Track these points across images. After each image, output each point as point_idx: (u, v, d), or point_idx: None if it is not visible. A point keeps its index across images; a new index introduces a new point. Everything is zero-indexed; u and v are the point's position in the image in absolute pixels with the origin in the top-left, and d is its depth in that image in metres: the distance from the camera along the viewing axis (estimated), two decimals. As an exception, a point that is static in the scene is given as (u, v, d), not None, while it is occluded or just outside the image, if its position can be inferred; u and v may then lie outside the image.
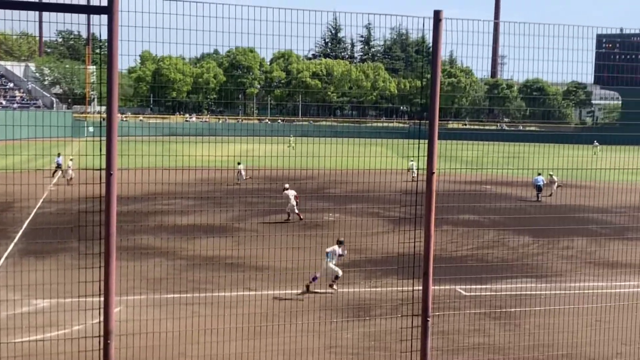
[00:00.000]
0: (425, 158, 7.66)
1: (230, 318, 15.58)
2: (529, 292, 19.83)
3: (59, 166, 43.31)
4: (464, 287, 19.97)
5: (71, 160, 42.63)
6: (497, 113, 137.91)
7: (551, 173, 40.95)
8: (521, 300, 18.94)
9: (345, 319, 16.77)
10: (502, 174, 42.88)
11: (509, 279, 21.33)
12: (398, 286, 19.00)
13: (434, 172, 7.59)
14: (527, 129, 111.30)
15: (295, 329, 15.37)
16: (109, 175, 6.71)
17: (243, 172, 43.98)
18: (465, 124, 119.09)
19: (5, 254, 23.00)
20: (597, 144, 78.17)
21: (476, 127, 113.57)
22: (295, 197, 30.94)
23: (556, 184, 41.31)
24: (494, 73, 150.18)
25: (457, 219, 31.34)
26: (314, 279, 19.30)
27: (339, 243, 20.01)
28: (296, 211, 30.97)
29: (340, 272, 19.58)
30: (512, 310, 17.93)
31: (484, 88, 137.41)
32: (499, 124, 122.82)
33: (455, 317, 17.11)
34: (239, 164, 43.49)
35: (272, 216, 31.49)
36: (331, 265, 19.49)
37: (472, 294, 19.64)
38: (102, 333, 7.09)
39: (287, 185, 31.71)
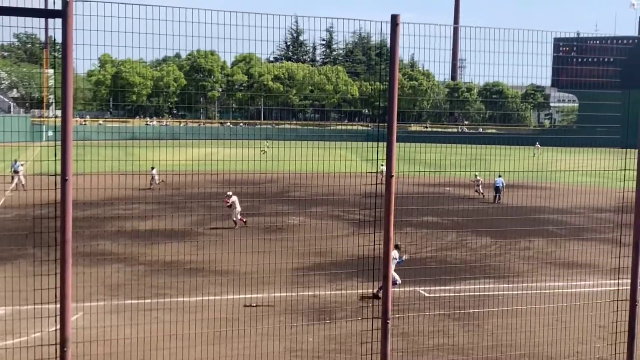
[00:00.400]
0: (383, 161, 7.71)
1: (192, 323, 15.47)
2: (489, 293, 20.08)
3: (16, 172, 42.28)
4: (426, 288, 20.13)
5: (22, 165, 41.52)
6: (457, 116, 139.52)
7: (477, 173, 41.37)
8: (482, 301, 19.16)
9: (307, 323, 16.76)
10: (463, 176, 43.33)
11: (469, 279, 21.57)
12: (360, 289, 19.08)
13: (392, 175, 7.63)
14: (487, 131, 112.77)
15: (257, 333, 15.32)
16: (64, 180, 6.60)
17: (156, 177, 42.56)
18: (427, 127, 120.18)
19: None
20: (538, 145, 79.55)
21: (437, 129, 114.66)
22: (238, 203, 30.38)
23: (480, 185, 41.77)
24: (454, 76, 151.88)
25: (419, 221, 31.59)
26: (395, 283, 18.14)
27: (396, 247, 18.88)
28: (239, 217, 30.39)
29: (397, 279, 18.68)
30: (473, 311, 18.12)
31: (445, 91, 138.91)
32: (459, 127, 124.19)
33: (417, 319, 17.23)
34: (152, 168, 41.45)
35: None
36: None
37: (433, 295, 19.80)
38: (58, 341, 6.98)
39: (230, 193, 30.59)
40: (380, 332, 8.20)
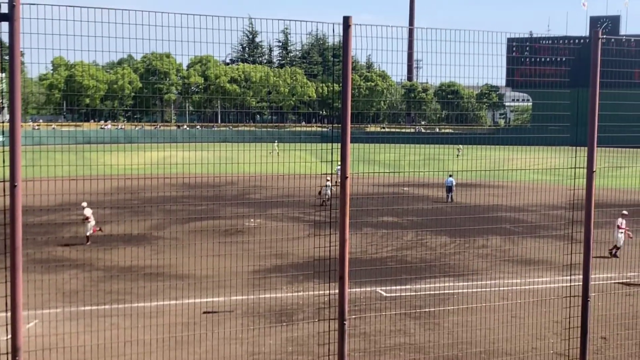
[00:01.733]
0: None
1: (151, 329, 15.31)
2: (447, 291, 20.30)
3: None
4: (385, 288, 20.25)
5: None
6: (413, 116, 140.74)
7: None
8: (440, 300, 19.36)
9: (267, 325, 16.72)
10: (419, 176, 43.72)
11: (428, 278, 21.77)
12: (319, 290, 19.11)
13: (347, 177, 7.65)
14: (443, 131, 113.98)
15: (217, 337, 15.23)
16: (12, 187, 6.47)
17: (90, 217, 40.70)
18: (384, 128, 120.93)
19: None
20: (460, 147, 78.45)
21: (394, 130, 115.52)
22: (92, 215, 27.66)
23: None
24: (410, 77, 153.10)
25: (378, 221, 31.78)
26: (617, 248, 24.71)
27: (623, 215, 25.33)
28: (91, 231, 27.53)
29: (619, 243, 24.98)
30: (432, 309, 18.30)
31: (401, 92, 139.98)
32: (416, 127, 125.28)
33: (376, 319, 17.32)
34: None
35: (192, 224, 31.08)
36: (619, 235, 25.06)
37: (392, 294, 19.93)
38: (10, 350, 6.84)
39: (85, 204, 27.59)
40: (338, 333, 8.22)
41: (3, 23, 6.17)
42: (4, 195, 6.63)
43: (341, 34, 7.50)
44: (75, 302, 18.11)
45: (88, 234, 27.32)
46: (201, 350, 14.32)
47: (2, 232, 7.02)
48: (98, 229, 27.86)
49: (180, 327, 15.90)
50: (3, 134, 6.66)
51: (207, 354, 14.04)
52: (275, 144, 72.16)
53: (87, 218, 27.36)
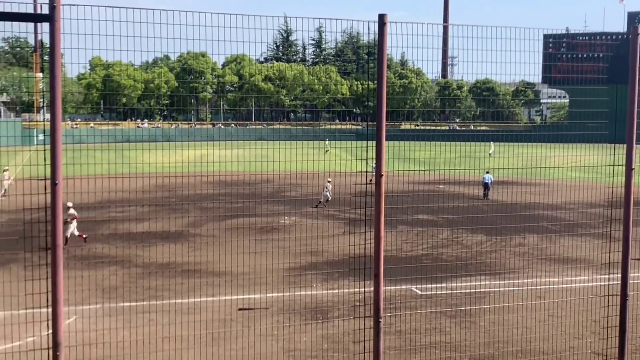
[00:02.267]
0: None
1: (188, 325, 15.48)
2: (483, 290, 20.14)
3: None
4: (419, 286, 20.17)
5: (6, 170, 40.44)
6: (448, 114, 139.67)
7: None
8: (476, 298, 19.22)
9: (303, 322, 16.78)
10: (454, 173, 43.45)
11: (464, 277, 21.62)
12: (354, 288, 19.10)
13: (382, 174, 7.65)
14: (478, 128, 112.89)
15: (252, 334, 15.34)
16: (54, 184, 6.61)
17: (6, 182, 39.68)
18: (418, 125, 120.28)
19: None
20: (492, 147, 76.61)
21: (428, 127, 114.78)
22: (75, 218, 26.65)
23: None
24: (444, 74, 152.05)
25: (412, 219, 31.65)
26: None
27: None
28: (77, 233, 26.56)
29: None
30: (468, 308, 18.18)
31: (435, 89, 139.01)
32: (450, 125, 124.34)
33: (411, 317, 17.27)
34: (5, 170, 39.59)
35: (228, 221, 31.29)
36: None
37: (427, 293, 19.85)
38: (51, 345, 6.98)
39: (70, 204, 26.41)
40: (373, 331, 8.23)
41: (43, 24, 6.30)
42: (45, 193, 6.77)
43: (376, 32, 7.50)
44: (114, 298, 18.40)
45: (68, 235, 25.82)
46: (237, 346, 14.44)
47: (39, 230, 7.18)
48: (84, 237, 26.46)
49: (217, 323, 16.06)
50: (44, 133, 6.78)
51: (243, 351, 14.15)
52: (327, 141, 72.30)
53: (71, 218, 26.14)
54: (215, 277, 20.24)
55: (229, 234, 28.18)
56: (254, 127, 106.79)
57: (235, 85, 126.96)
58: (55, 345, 6.92)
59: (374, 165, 7.88)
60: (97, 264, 22.11)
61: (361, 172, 9.76)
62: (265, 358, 13.90)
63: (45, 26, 6.48)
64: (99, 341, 12.38)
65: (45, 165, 6.70)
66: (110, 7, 7.24)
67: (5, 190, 38.28)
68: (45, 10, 6.36)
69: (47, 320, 6.99)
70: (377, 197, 7.68)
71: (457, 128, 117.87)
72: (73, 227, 26.35)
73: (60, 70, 6.40)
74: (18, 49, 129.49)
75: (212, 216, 32.18)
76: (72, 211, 26.38)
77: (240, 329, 15.71)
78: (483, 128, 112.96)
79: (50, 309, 6.93)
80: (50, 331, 6.97)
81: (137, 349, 13.15)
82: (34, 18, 6.34)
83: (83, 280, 18.03)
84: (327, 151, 61.40)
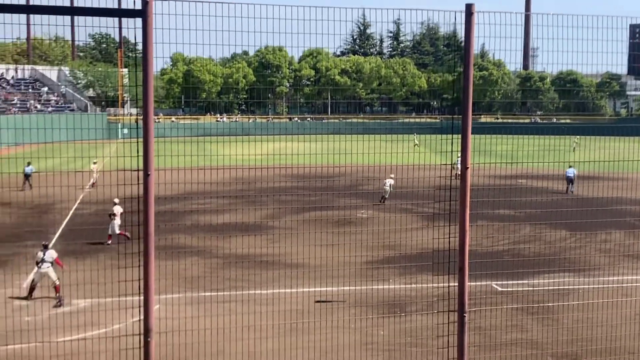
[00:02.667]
0: (459, 153, 7.62)
1: (267, 315, 15.72)
2: (566, 287, 19.60)
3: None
4: (500, 282, 19.81)
5: (95, 163, 41.58)
6: (529, 106, 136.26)
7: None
8: (559, 295, 18.75)
9: (380, 316, 16.77)
10: (536, 167, 42.37)
11: (545, 273, 21.11)
12: (433, 282, 18.94)
13: (468, 167, 7.54)
14: (561, 121, 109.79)
15: (329, 325, 15.42)
16: (146, 175, 6.82)
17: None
18: (498, 118, 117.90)
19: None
20: (577, 141, 73.28)
21: (509, 120, 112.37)
22: (121, 214, 25.44)
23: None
24: (526, 65, 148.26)
25: (493, 213, 31.09)
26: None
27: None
28: (117, 231, 25.08)
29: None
30: (550, 305, 17.76)
31: (517, 81, 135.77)
32: (531, 117, 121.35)
33: (492, 313, 17.00)
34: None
35: (305, 214, 31.52)
36: None
37: (508, 289, 19.48)
38: (142, 331, 7.21)
39: (116, 200, 25.70)
40: (457, 326, 8.13)
41: (132, 19, 6.48)
42: (138, 184, 7.00)
43: (462, 22, 7.38)
44: (195, 288, 18.83)
45: (110, 232, 25.28)
46: (315, 338, 14.55)
47: (125, 220, 7.41)
48: (128, 236, 24.18)
49: (295, 314, 16.23)
50: (130, 126, 7.00)
51: (321, 342, 14.25)
52: (415, 135, 72.12)
53: (114, 214, 25.44)
54: (293, 269, 20.45)
55: (306, 226, 28.40)
56: (330, 120, 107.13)
57: (311, 79, 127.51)
58: (147, 331, 7.15)
59: (459, 158, 7.77)
60: (180, 254, 22.68)
61: (444, 165, 9.64)
62: (343, 350, 13.95)
63: (130, 21, 6.65)
64: (181, 329, 12.71)
65: (138, 156, 6.90)
66: (193, 1, 7.37)
67: (94, 181, 39.52)
68: (138, 5, 6.54)
69: (139, 307, 7.23)
70: (462, 190, 7.58)
71: (539, 121, 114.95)
72: (116, 225, 25.21)
73: (153, 65, 6.58)
74: (104, 45, 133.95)
75: (290, 208, 32.48)
76: (117, 208, 25.57)
77: (317, 321, 15.82)
78: (566, 121, 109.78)
79: (141, 297, 7.16)
80: (141, 318, 7.20)
81: (218, 337, 13.42)
82: (127, 13, 6.53)
83: (166, 270, 18.54)
84: (416, 145, 61.00)
